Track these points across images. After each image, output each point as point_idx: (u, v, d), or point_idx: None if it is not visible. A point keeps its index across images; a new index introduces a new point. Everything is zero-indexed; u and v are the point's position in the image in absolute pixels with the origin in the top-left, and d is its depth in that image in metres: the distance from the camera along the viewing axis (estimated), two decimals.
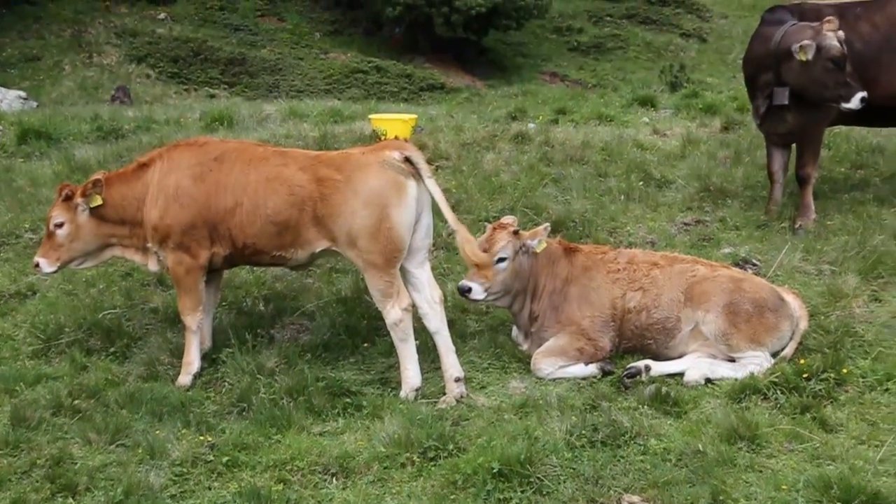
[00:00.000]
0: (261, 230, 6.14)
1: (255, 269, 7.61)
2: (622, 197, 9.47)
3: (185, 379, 6.31)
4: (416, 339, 6.17)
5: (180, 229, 6.17)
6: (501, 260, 6.38)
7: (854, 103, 8.02)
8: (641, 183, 9.84)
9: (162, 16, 24.20)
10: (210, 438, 5.50)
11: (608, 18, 33.36)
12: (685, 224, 8.94)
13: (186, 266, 6.24)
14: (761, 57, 8.58)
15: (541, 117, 13.51)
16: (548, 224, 6.69)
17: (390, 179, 5.97)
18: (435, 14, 24.69)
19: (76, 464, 5.30)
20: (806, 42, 7.94)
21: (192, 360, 6.37)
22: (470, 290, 6.35)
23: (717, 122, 12.76)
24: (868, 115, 8.47)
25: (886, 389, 5.80)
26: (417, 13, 24.69)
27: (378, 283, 6.00)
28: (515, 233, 6.46)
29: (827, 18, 8.11)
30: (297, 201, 6.02)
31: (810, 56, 7.92)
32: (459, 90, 23.26)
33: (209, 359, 6.57)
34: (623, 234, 8.69)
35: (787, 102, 8.43)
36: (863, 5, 9.05)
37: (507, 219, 6.78)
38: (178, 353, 6.51)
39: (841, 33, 8.04)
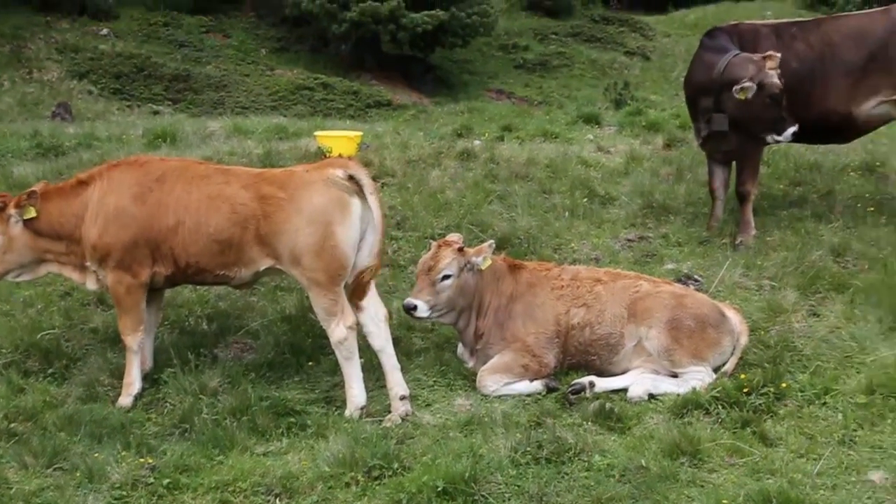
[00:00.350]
0: (204, 249, 6.07)
1: (198, 287, 7.53)
2: (567, 213, 9.53)
3: (125, 400, 6.21)
4: (361, 358, 6.15)
5: (120, 249, 6.07)
6: (446, 277, 6.38)
7: (785, 137, 8.35)
8: (586, 200, 9.93)
9: (104, 31, 23.85)
10: (150, 460, 5.40)
11: (553, 36, 33.63)
12: (629, 240, 9.03)
13: (127, 285, 6.14)
14: (703, 83, 8.76)
15: (487, 134, 13.57)
16: (492, 241, 6.71)
17: (334, 197, 5.95)
18: (382, 31, 24.66)
19: (11, 488, 5.16)
20: (746, 84, 8.14)
21: (133, 381, 6.27)
22: (415, 307, 6.35)
23: (659, 139, 12.93)
24: (804, 133, 8.65)
25: (824, 403, 5.90)
26: (364, 30, 24.63)
27: (322, 302, 5.97)
28: (460, 250, 6.47)
29: (769, 54, 8.28)
30: (240, 219, 5.97)
31: (749, 96, 8.13)
32: (406, 107, 23.25)
33: (150, 379, 6.47)
34: (568, 250, 8.75)
35: (726, 129, 8.61)
36: (798, 25, 9.27)
37: (453, 236, 6.79)
38: (119, 373, 6.39)
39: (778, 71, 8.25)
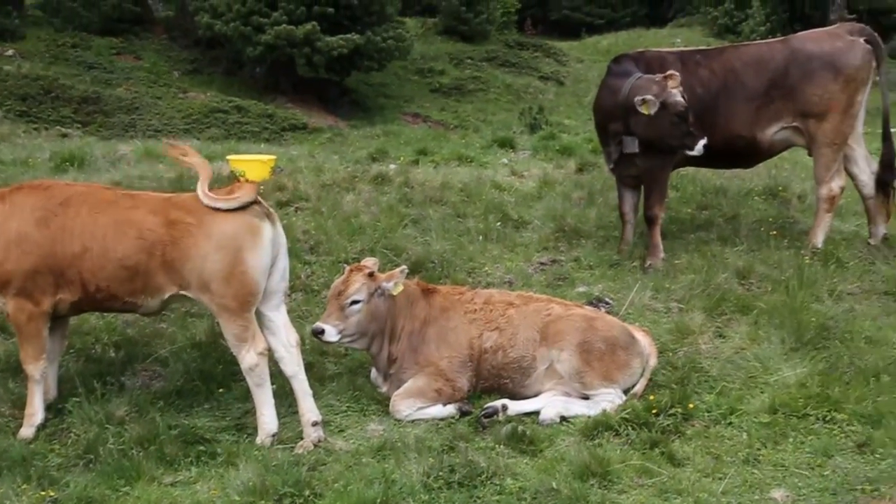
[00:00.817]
0: (111, 276, 5.92)
1: (105, 314, 7.36)
2: (480, 237, 9.61)
3: (27, 431, 6.02)
4: (272, 384, 6.08)
5: (22, 275, 5.89)
6: (356, 302, 6.36)
7: (697, 150, 8.48)
8: (499, 223, 10.02)
9: (10, 52, 23.26)
10: (53, 493, 5.25)
11: (469, 61, 33.94)
12: (541, 264, 9.12)
13: (28, 313, 5.96)
14: (610, 108, 8.93)
15: (402, 158, 13.63)
16: (405, 267, 6.72)
17: (244, 222, 5.89)
18: (297, 55, 24.56)
19: None
20: (648, 97, 8.32)
21: (35, 412, 6.08)
22: (323, 331, 6.32)
23: (572, 163, 13.15)
24: (710, 158, 8.88)
25: (730, 423, 6.03)
26: (279, 53, 24.51)
27: (233, 328, 5.90)
28: (371, 275, 6.46)
29: (669, 73, 8.49)
30: (147, 245, 5.85)
31: (653, 111, 8.33)
32: (322, 130, 23.16)
33: (54, 409, 6.28)
34: (481, 274, 8.80)
35: (637, 150, 8.78)
36: (702, 53, 9.55)
37: (369, 261, 6.78)
38: (21, 403, 6.19)
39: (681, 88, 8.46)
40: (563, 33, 51.68)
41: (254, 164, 11.07)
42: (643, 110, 8.33)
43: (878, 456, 5.57)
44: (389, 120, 26.17)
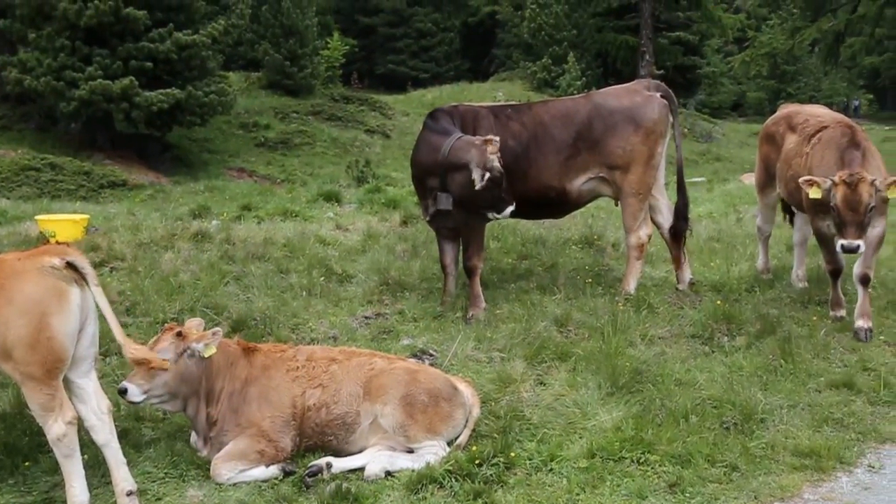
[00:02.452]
0: None
1: None
2: (304, 293, 9.53)
3: None
4: (83, 454, 5.80)
5: None
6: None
7: (504, 215, 8.85)
8: (323, 278, 9.97)
9: None
10: None
11: (294, 115, 33.97)
12: (366, 317, 9.11)
13: None
14: (428, 164, 9.08)
15: (225, 214, 13.43)
16: (219, 329, 6.52)
17: (50, 286, 5.63)
18: (114, 110, 23.93)
19: None
20: (482, 173, 8.52)
21: None
22: (126, 391, 6.10)
23: (397, 216, 13.28)
24: (525, 208, 9.16)
25: (551, 469, 6.12)
26: (95, 109, 23.80)
27: (38, 397, 5.59)
28: (179, 335, 6.29)
29: (489, 138, 8.67)
30: None
31: (480, 185, 8.55)
32: (143, 187, 22.57)
33: None
34: (306, 330, 8.71)
35: (450, 208, 8.95)
36: (512, 108, 9.88)
37: (193, 321, 6.60)
38: None
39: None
40: (388, 87, 52.53)
41: (65, 223, 10.66)
42: (477, 184, 8.54)
43: (688, 495, 5.77)
44: (214, 175, 25.79)
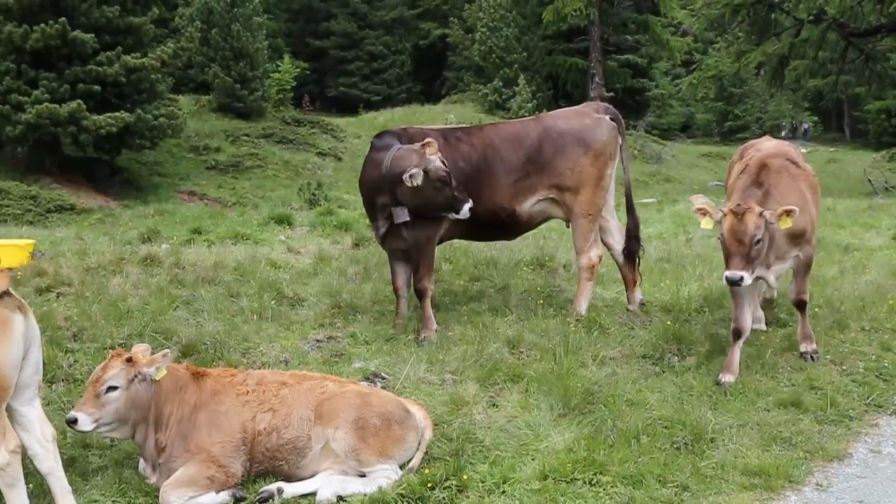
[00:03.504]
0: None
1: None
2: (255, 317, 9.45)
3: None
4: (28, 483, 5.68)
5: None
6: (112, 388, 6.07)
7: (463, 213, 8.80)
8: (274, 302, 9.90)
9: None
10: None
11: (245, 137, 33.83)
12: (318, 341, 9.05)
13: None
14: (376, 181, 9.08)
15: (175, 238, 13.30)
16: (168, 351, 6.44)
17: None
18: (62, 133, 23.65)
19: None
20: (413, 171, 8.53)
21: None
22: (76, 420, 5.99)
23: (349, 238, 13.25)
24: (476, 230, 9.19)
25: (503, 492, 6.09)
26: (42, 132, 23.50)
27: None
28: (129, 360, 6.20)
29: (426, 142, 8.77)
30: None
31: (418, 182, 8.54)
32: (92, 211, 22.32)
33: None
34: (257, 354, 8.63)
35: (408, 219, 8.95)
36: (462, 130, 9.94)
37: (140, 347, 6.50)
38: None
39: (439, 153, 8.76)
40: (340, 109, 52.60)
41: (10, 249, 10.49)
42: (410, 184, 8.53)
43: None
44: (164, 199, 25.59)
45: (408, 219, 8.95)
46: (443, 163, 8.68)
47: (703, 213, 7.93)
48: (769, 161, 8.50)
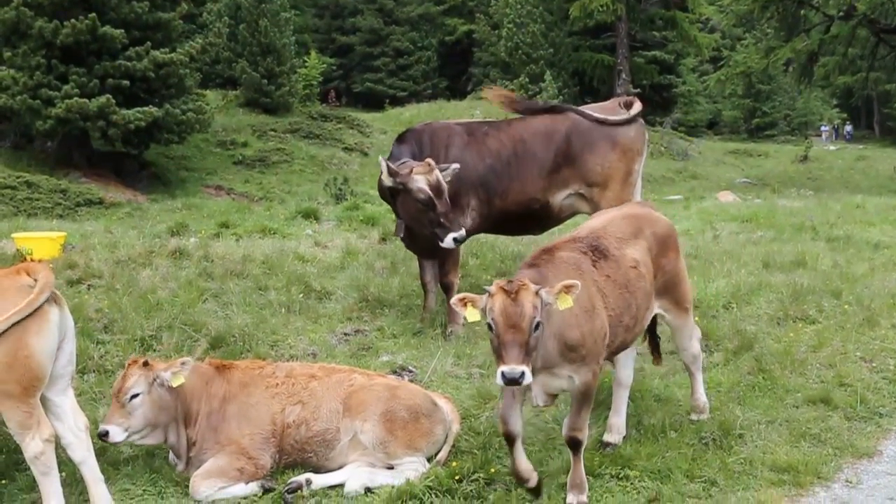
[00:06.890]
0: None
1: None
2: (283, 310, 9.50)
3: None
4: (61, 471, 5.76)
5: None
6: (135, 396, 6.13)
7: (447, 243, 8.61)
8: (302, 295, 9.94)
9: None
10: None
11: (272, 132, 33.94)
12: (345, 334, 9.10)
13: None
14: (381, 190, 9.18)
15: (203, 231, 13.37)
16: (187, 359, 6.44)
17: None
18: (91, 128, 23.82)
19: None
20: (382, 166, 8.57)
21: None
22: (107, 433, 6.07)
23: (375, 233, 13.27)
24: (505, 224, 9.17)
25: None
26: (72, 127, 23.69)
27: (16, 415, 5.55)
28: (146, 364, 6.24)
29: (426, 161, 8.67)
30: None
31: (388, 182, 8.60)
32: (120, 205, 22.46)
33: None
34: (284, 346, 8.69)
35: (402, 235, 8.98)
36: (489, 124, 9.89)
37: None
38: None
39: (435, 174, 8.55)
40: (366, 105, 52.69)
41: (42, 241, 10.60)
42: (385, 181, 8.60)
43: None
44: (191, 193, 25.73)
45: (402, 235, 9.03)
46: (427, 187, 8.50)
47: (465, 302, 5.61)
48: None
